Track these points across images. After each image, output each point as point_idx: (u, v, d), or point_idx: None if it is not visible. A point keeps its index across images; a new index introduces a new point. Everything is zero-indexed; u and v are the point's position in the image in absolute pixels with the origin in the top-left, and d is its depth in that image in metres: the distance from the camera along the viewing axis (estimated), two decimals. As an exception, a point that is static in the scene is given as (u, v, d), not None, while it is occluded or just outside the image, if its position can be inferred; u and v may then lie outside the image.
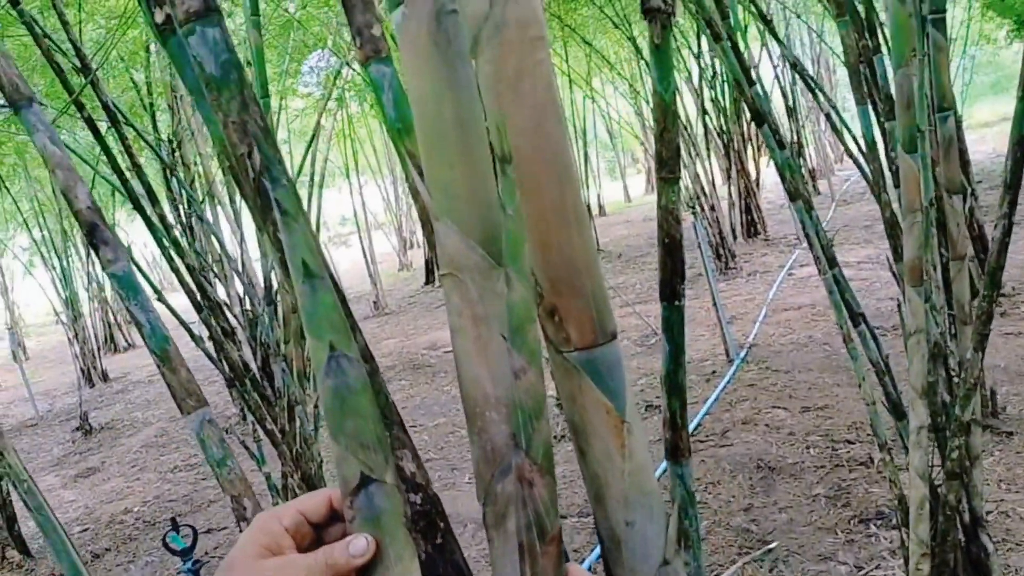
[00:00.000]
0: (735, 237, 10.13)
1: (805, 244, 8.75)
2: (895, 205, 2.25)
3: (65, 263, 11.41)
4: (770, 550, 2.95)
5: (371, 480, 0.61)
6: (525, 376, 0.54)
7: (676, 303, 0.80)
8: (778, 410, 4.36)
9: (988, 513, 2.73)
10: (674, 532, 0.62)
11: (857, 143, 2.70)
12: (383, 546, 0.61)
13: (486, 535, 0.59)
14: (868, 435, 3.69)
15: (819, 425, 4.02)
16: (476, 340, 0.58)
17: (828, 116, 3.09)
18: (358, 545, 0.60)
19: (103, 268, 0.92)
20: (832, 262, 2.16)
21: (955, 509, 2.06)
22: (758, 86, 2.09)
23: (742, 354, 5.54)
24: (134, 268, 0.94)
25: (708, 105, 9.77)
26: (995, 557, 2.18)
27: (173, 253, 2.71)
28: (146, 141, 3.12)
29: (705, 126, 9.75)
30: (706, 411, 4.57)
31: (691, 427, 4.39)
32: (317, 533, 0.67)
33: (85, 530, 5.03)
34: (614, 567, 0.62)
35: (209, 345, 3.05)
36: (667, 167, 0.79)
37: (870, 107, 2.48)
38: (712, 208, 9.13)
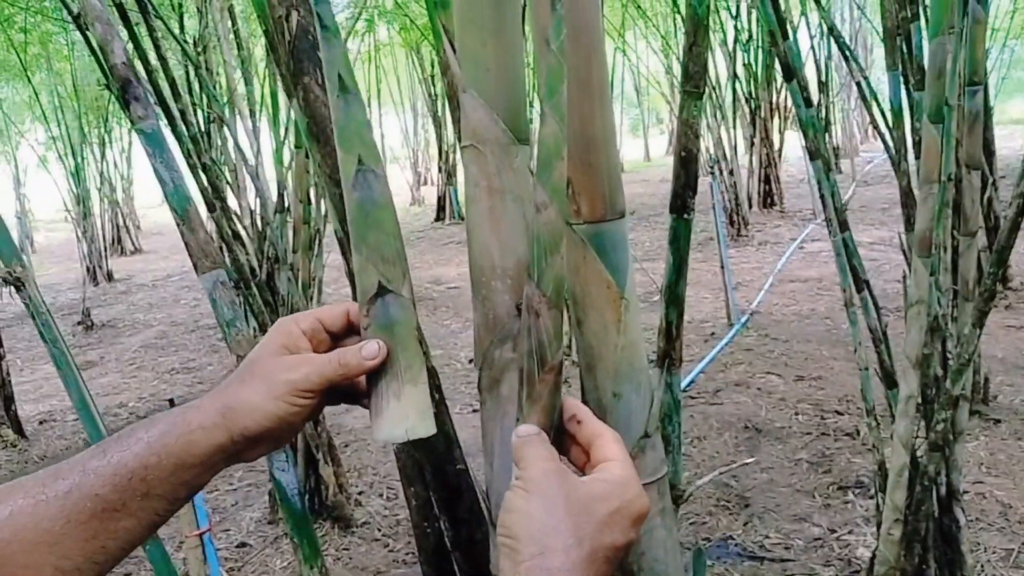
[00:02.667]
0: (750, 206, 10.08)
1: (820, 220, 8.73)
2: (913, 178, 2.25)
3: (79, 160, 11.38)
4: (748, 463, 3.01)
5: (388, 291, 0.64)
6: (546, 211, 0.56)
7: (685, 216, 0.82)
8: (772, 376, 4.40)
9: (965, 492, 2.77)
10: (657, 407, 0.65)
11: (884, 115, 2.69)
12: (394, 353, 0.64)
13: (479, 397, 0.62)
14: (857, 408, 3.73)
15: (810, 394, 4.06)
16: (490, 211, 0.60)
17: (859, 84, 3.06)
18: (370, 348, 0.64)
19: (132, 124, 0.94)
20: (844, 225, 2.17)
21: (933, 480, 2.10)
22: (791, 41, 2.08)
23: (743, 319, 5.56)
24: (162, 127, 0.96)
25: (740, 70, 9.63)
26: (966, 531, 2.23)
27: (191, 149, 2.72)
28: (174, 36, 3.11)
29: (734, 91, 9.63)
30: (700, 369, 4.61)
31: (684, 383, 4.43)
32: (333, 341, 0.70)
33: (78, 418, 5.11)
34: (598, 437, 0.65)
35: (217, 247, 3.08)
36: (692, 81, 0.80)
37: (900, 77, 2.46)
38: (731, 173, 9.08)
